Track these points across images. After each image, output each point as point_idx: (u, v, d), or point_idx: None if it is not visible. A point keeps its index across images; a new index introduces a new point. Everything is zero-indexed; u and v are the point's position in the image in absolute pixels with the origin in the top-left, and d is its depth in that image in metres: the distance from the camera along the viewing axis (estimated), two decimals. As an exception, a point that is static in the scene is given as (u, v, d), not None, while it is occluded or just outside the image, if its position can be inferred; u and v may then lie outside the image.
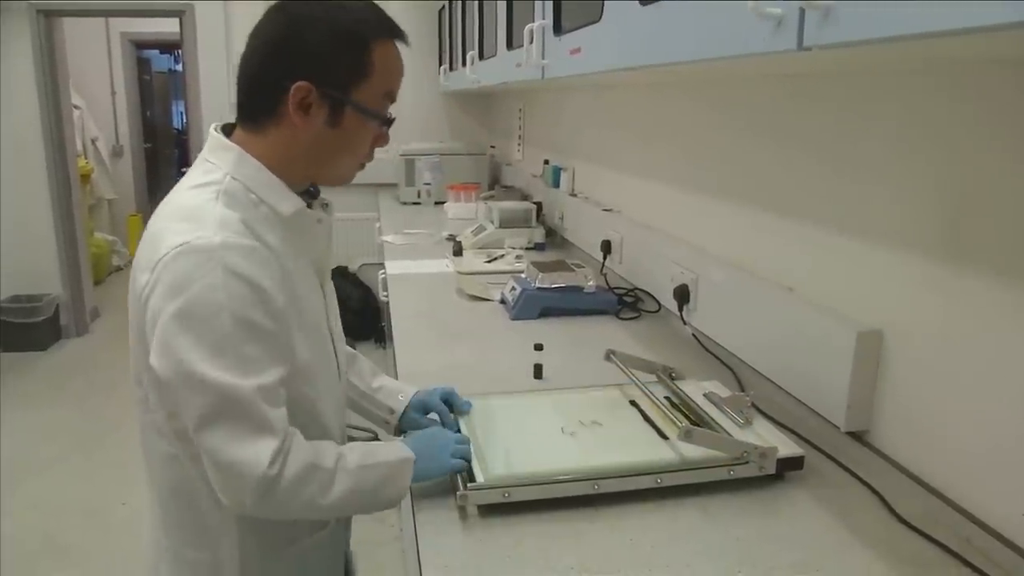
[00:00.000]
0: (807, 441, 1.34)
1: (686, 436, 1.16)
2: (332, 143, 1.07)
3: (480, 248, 2.97)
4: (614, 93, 2.66)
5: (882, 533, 1.10)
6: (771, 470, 1.19)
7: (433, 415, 1.35)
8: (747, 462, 1.18)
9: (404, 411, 1.36)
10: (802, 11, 0.80)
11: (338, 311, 1.27)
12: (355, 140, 1.09)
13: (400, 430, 1.37)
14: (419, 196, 4.39)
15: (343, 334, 1.28)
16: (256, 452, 0.96)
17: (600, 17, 1.45)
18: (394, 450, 1.14)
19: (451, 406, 1.36)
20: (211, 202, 1.00)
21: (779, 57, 0.92)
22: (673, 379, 1.49)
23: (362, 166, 1.15)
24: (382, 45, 1.06)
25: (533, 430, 1.30)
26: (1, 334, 5.04)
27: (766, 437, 1.27)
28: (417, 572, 1.03)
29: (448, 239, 3.17)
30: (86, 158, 6.74)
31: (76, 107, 6.15)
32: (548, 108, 3.64)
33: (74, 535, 3.06)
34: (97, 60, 7.31)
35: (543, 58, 1.87)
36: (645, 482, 1.16)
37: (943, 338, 1.17)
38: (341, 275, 5.14)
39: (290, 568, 1.19)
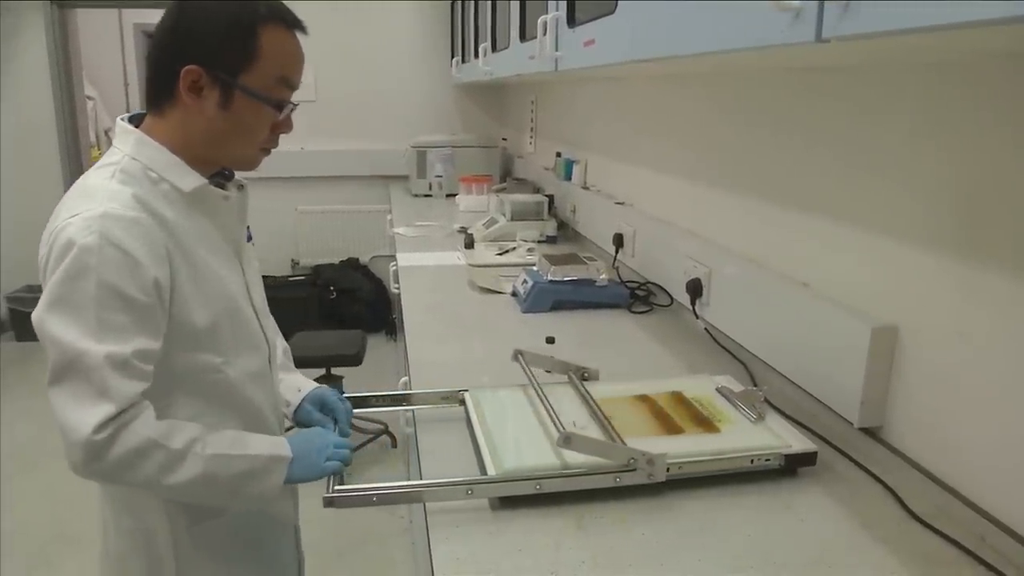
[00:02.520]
0: (820, 437, 1.33)
1: (565, 442, 1.13)
2: (226, 126, 1.12)
3: (492, 241, 2.97)
4: (627, 86, 2.65)
5: (895, 530, 1.09)
6: (660, 478, 1.15)
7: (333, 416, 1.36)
8: (634, 469, 1.15)
9: (300, 405, 1.37)
10: (821, 3, 0.79)
11: (262, 285, 1.31)
12: (249, 124, 1.14)
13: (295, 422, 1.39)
14: (431, 188, 4.39)
15: (268, 309, 1.32)
16: (85, 416, 0.98)
17: (614, 9, 1.44)
18: (270, 446, 1.15)
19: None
20: (106, 180, 1.08)
21: (796, 49, 0.91)
22: (585, 379, 1.47)
23: (267, 151, 1.20)
24: (271, 31, 1.10)
25: (545, 424, 1.30)
26: (14, 324, 5.08)
27: (779, 432, 1.27)
28: (428, 565, 1.03)
29: (460, 231, 3.17)
30: (99, 149, 6.77)
31: (89, 98, 6.17)
32: (560, 100, 3.63)
33: (84, 524, 3.07)
34: (110, 51, 7.33)
35: (556, 50, 1.87)
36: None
37: (958, 334, 1.16)
38: (352, 267, 5.15)
39: (222, 537, 1.24)
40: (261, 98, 1.11)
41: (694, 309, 1.93)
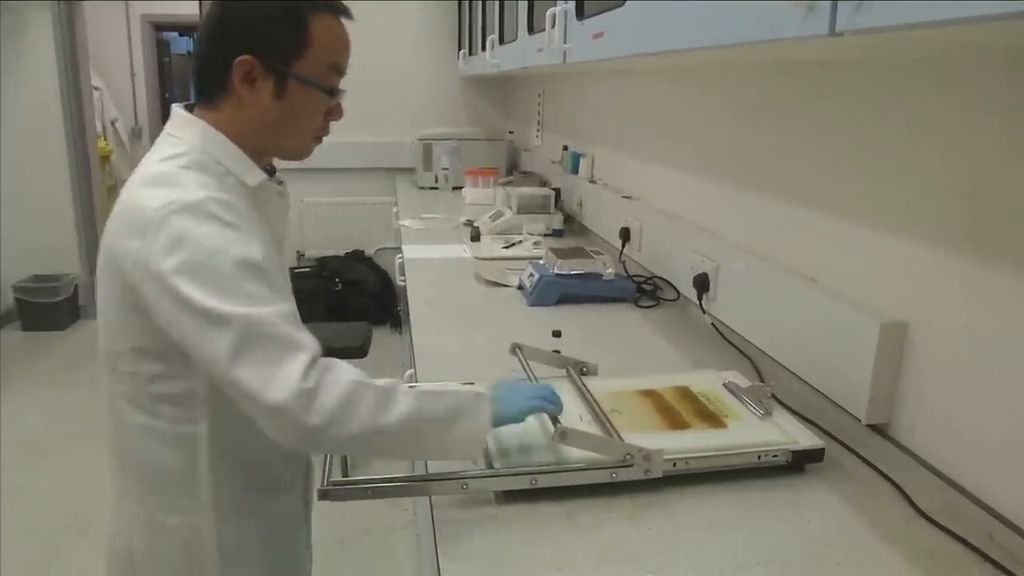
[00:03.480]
0: (827, 433, 1.33)
1: (561, 437, 1.12)
2: (281, 115, 1.11)
3: (498, 234, 2.96)
4: (635, 79, 2.64)
5: (902, 527, 1.08)
6: (657, 474, 1.14)
7: None
8: (631, 465, 1.14)
9: None
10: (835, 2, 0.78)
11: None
12: (304, 112, 1.13)
13: None
14: (437, 181, 4.38)
15: None
16: (286, 371, 0.94)
17: (623, 2, 1.43)
18: (464, 389, 1.13)
19: None
20: (183, 170, 1.05)
21: (807, 43, 0.90)
22: (584, 374, 1.46)
23: (319, 140, 1.20)
24: (321, 18, 1.09)
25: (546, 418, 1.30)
26: (21, 314, 5.09)
27: (786, 428, 1.26)
28: (433, 558, 1.03)
29: (466, 224, 3.17)
30: (105, 139, 6.77)
31: (96, 89, 6.17)
32: (567, 94, 3.62)
33: (93, 511, 3.09)
34: (117, 42, 7.32)
35: (565, 42, 1.85)
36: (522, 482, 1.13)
37: (967, 330, 1.15)
38: (357, 259, 5.15)
39: (263, 533, 1.22)
40: (315, 85, 1.11)
41: (701, 304, 1.93)
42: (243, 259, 0.98)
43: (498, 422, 1.11)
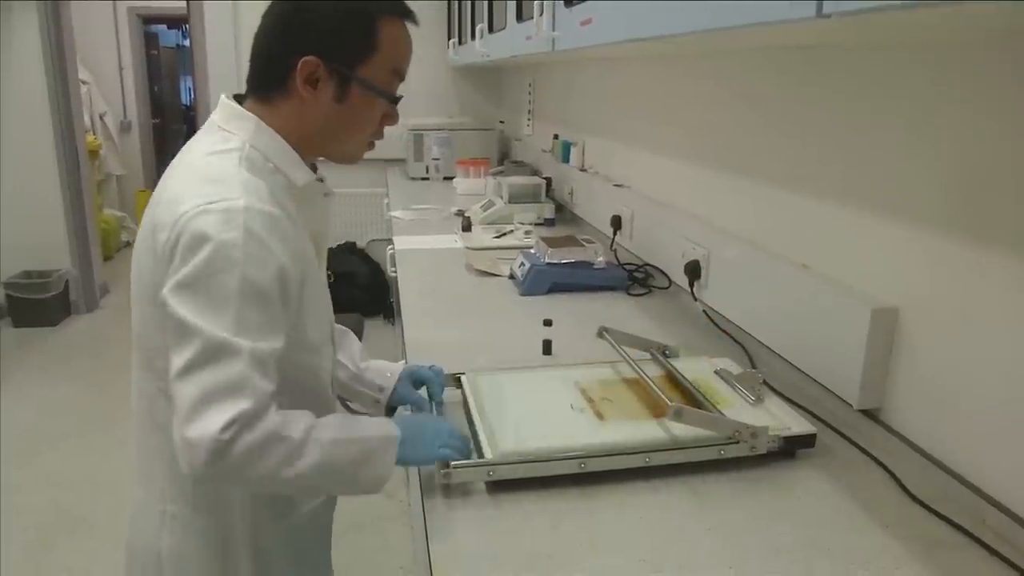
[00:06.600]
0: (819, 419, 1.33)
1: (676, 416, 1.14)
2: (340, 118, 1.09)
3: (489, 223, 2.96)
4: (625, 66, 2.63)
5: (895, 512, 1.09)
6: (762, 450, 1.17)
7: (423, 393, 1.37)
8: (738, 442, 1.16)
9: (394, 387, 1.36)
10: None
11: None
12: (363, 116, 1.11)
13: (390, 408, 1.37)
14: (428, 171, 4.37)
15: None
16: (215, 413, 0.91)
17: (612, -13, 1.42)
18: (378, 427, 1.09)
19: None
20: (235, 167, 1.02)
21: (796, 27, 0.89)
22: (667, 356, 1.47)
23: (371, 144, 1.17)
24: (389, 22, 1.08)
25: (542, 406, 1.29)
26: (12, 310, 5.06)
27: (778, 414, 1.26)
28: (424, 548, 1.02)
29: (457, 214, 3.16)
30: (94, 134, 6.74)
31: (84, 82, 6.13)
32: (558, 82, 3.60)
33: (86, 507, 3.09)
34: (105, 35, 7.29)
35: (553, 30, 1.84)
36: (636, 461, 1.15)
37: (959, 315, 1.15)
38: (349, 251, 5.13)
39: (290, 535, 1.21)
40: (377, 91, 1.09)
41: (692, 291, 1.92)
42: (253, 282, 0.95)
43: (402, 463, 1.09)
